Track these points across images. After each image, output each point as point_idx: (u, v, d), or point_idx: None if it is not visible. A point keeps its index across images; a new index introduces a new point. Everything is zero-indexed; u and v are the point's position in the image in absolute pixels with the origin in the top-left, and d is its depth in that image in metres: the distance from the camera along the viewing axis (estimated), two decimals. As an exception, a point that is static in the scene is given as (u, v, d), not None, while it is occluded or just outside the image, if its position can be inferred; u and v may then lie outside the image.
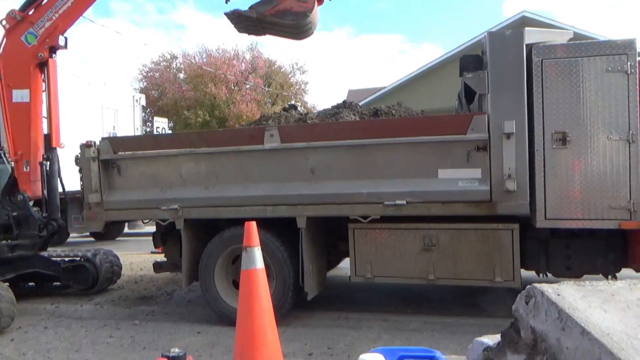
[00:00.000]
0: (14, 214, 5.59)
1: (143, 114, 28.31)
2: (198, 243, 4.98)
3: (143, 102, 27.14)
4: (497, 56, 4.20)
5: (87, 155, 5.22)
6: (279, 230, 4.70)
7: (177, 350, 2.10)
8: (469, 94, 5.02)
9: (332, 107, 5.87)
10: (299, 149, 4.56)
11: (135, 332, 4.63)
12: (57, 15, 5.54)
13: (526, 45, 4.15)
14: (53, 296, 6.21)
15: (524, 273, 4.39)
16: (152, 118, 30.55)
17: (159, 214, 5.02)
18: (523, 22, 14.14)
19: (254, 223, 3.22)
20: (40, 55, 5.59)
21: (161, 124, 17.87)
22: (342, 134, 4.48)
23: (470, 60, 4.55)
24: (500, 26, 14.48)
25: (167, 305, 5.62)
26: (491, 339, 1.88)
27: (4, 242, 5.52)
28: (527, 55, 4.14)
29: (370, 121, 4.99)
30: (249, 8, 5.16)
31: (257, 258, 3.11)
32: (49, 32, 5.59)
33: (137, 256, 8.65)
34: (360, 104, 7.59)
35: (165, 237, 5.60)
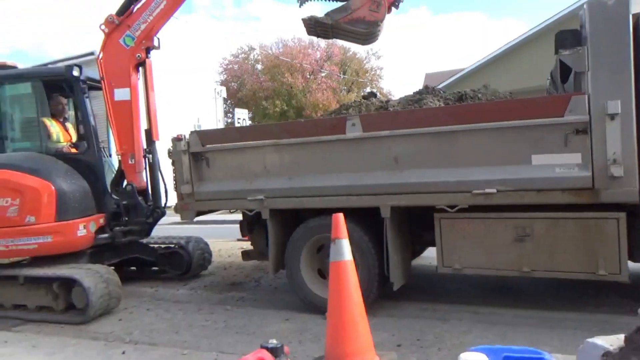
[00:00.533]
0: (124, 202, 6.07)
1: (224, 106, 29.57)
2: (283, 232, 5.09)
3: (224, 94, 28.39)
4: (599, 29, 3.82)
5: (178, 148, 5.49)
6: (363, 220, 4.68)
7: (274, 341, 2.15)
8: (564, 73, 4.66)
9: (413, 93, 5.71)
10: (382, 138, 4.48)
11: (227, 317, 4.86)
12: (151, 17, 5.88)
13: (632, 15, 3.75)
14: (152, 280, 6.71)
15: (632, 265, 4.03)
16: (233, 109, 31.76)
17: (246, 204, 5.18)
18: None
19: (341, 215, 3.23)
20: (138, 56, 5.98)
21: (242, 115, 18.50)
22: (427, 120, 4.34)
23: (567, 36, 4.21)
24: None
25: (256, 292, 5.84)
26: (607, 342, 1.73)
27: (117, 228, 6.02)
28: (634, 27, 3.74)
29: (456, 106, 4.79)
30: (325, 15, 5.33)
31: (345, 250, 3.11)
32: (145, 34, 5.94)
33: (224, 243, 9.07)
34: (439, 87, 7.31)
35: (251, 226, 5.80)
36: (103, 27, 5.92)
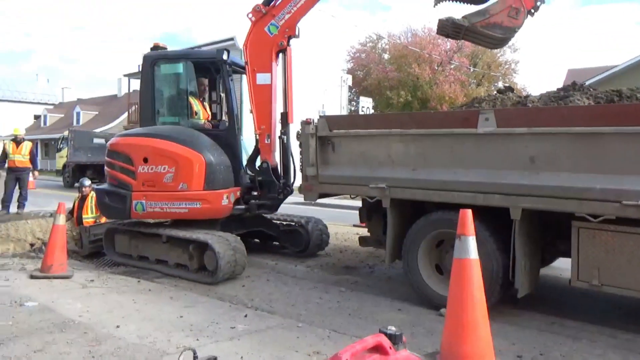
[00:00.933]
0: (259, 178, 6.56)
1: (349, 94, 30.00)
2: (403, 223, 5.06)
3: (349, 82, 28.78)
4: None
5: (306, 132, 5.70)
6: (488, 220, 4.45)
7: (393, 328, 2.16)
8: None
9: (557, 89, 5.26)
10: (518, 135, 4.20)
11: (341, 298, 4.99)
12: (295, 8, 6.20)
13: None
14: (272, 254, 7.13)
15: None
16: (357, 97, 32.06)
17: (367, 191, 5.23)
18: None
19: (469, 211, 3.12)
20: (281, 43, 6.36)
21: (366, 104, 18.61)
22: (573, 120, 3.96)
23: None
24: None
25: (369, 278, 5.91)
26: None
27: (252, 201, 6.54)
28: None
29: (610, 106, 4.30)
30: (463, 17, 5.32)
31: (471, 248, 3.01)
32: (289, 24, 6.29)
33: (341, 227, 9.28)
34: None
35: (370, 213, 5.85)
36: (250, 15, 6.34)
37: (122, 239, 6.51)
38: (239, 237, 5.91)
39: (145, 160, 6.02)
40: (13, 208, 9.83)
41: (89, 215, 7.93)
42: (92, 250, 7.15)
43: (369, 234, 6.11)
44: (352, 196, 6.40)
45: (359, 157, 5.33)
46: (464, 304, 2.90)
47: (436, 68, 32.88)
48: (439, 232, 4.72)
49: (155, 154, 6.01)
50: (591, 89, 5.14)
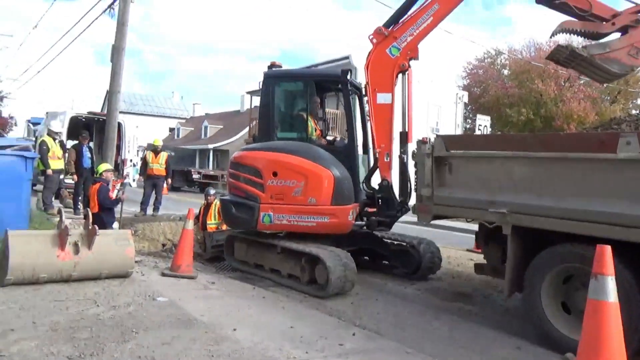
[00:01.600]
0: (378, 195, 6.65)
1: (464, 111, 28.96)
2: (525, 252, 4.70)
3: (465, 99, 27.84)
4: None
5: (422, 151, 5.59)
6: (628, 256, 3.97)
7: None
8: None
9: None
10: (670, 163, 3.71)
11: (452, 326, 4.78)
12: (417, 31, 6.29)
13: None
14: (381, 273, 7.06)
15: None
16: (473, 115, 30.79)
17: (486, 215, 4.96)
18: None
19: (608, 248, 2.82)
20: (402, 65, 6.47)
21: (483, 122, 17.75)
22: None
23: None
24: None
25: (484, 308, 5.58)
26: None
27: (373, 218, 6.66)
28: None
29: None
30: (583, 47, 5.36)
31: (610, 289, 2.71)
32: (410, 46, 6.42)
33: (454, 251, 8.93)
34: None
35: (487, 239, 5.55)
36: (372, 37, 6.52)
37: (241, 247, 6.92)
38: (349, 254, 5.96)
39: (275, 174, 6.21)
40: (149, 210, 10.99)
41: (212, 222, 8.58)
42: (213, 254, 7.70)
43: (485, 261, 5.78)
44: (468, 220, 6.13)
45: (477, 179, 5.10)
46: (600, 352, 2.60)
47: (563, 84, 30.39)
48: (567, 266, 4.32)
49: (285, 169, 6.20)
50: None
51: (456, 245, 9.52)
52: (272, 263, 6.42)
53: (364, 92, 6.91)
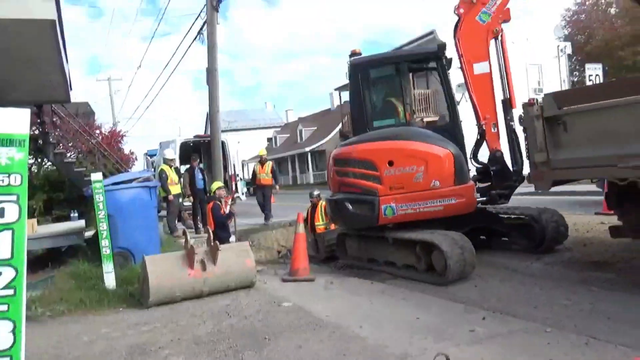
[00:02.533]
0: (493, 168, 6.42)
1: (569, 64, 26.42)
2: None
3: (569, 50, 25.39)
4: None
5: (530, 114, 5.16)
6: None
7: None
8: None
9: None
10: None
11: (593, 299, 4.34)
12: None
13: None
14: (502, 251, 6.66)
15: None
16: (580, 66, 27.97)
17: (616, 172, 4.45)
18: None
19: None
20: (495, 30, 6.21)
21: (594, 71, 15.99)
22: None
23: None
24: None
25: (628, 275, 4.99)
26: None
27: (493, 192, 6.44)
28: None
29: None
30: None
31: None
32: (500, 8, 6.17)
33: (580, 217, 8.13)
34: None
35: (621, 198, 4.98)
36: (459, 7, 6.29)
37: (352, 243, 6.95)
38: (464, 235, 5.68)
39: (391, 164, 5.97)
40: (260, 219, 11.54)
41: (321, 223, 8.73)
42: (327, 254, 7.84)
43: (621, 223, 5.19)
44: (593, 180, 5.54)
45: (599, 134, 4.58)
46: None
47: (686, 10, 26.37)
48: None
49: (401, 156, 5.98)
50: None
51: (580, 211, 8.66)
52: (385, 255, 6.36)
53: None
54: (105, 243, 5.94)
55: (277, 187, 12.30)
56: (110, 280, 5.88)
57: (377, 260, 6.52)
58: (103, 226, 5.98)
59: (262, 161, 11.86)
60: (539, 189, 5.40)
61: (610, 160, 4.46)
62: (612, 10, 31.36)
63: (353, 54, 7.30)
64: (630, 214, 4.94)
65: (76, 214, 10.86)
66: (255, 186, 11.96)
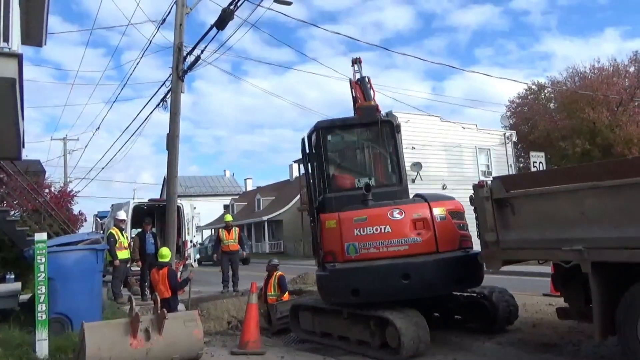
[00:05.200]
0: None
1: (515, 150, 28.20)
2: (612, 289, 4.32)
3: (514, 138, 27.19)
4: None
5: (480, 195, 5.41)
6: None
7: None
8: None
9: None
10: None
11: (544, 381, 4.35)
12: None
13: None
14: (455, 329, 6.62)
15: None
16: (524, 153, 29.88)
17: (560, 255, 4.67)
18: None
19: None
20: None
21: (538, 158, 17.18)
22: None
23: None
24: None
25: (576, 358, 5.07)
26: None
27: None
28: None
29: None
30: None
31: None
32: None
33: (529, 297, 8.32)
34: None
35: (566, 279, 5.18)
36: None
37: (306, 316, 6.77)
38: (419, 312, 5.67)
39: None
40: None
41: (272, 293, 8.47)
42: (280, 326, 7.58)
43: (567, 305, 5.36)
44: (540, 261, 5.75)
45: (545, 217, 4.84)
46: None
47: (615, 109, 29.23)
48: (663, 299, 3.91)
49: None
50: None
51: (529, 291, 8.86)
52: (339, 330, 6.21)
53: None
54: (41, 308, 5.54)
55: (244, 253, 12.02)
56: (42, 348, 5.42)
57: (331, 334, 6.36)
58: (41, 289, 5.62)
59: (228, 227, 11.64)
60: (490, 268, 5.55)
61: (554, 243, 4.68)
62: (552, 105, 34.26)
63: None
64: (575, 296, 5.11)
65: (12, 276, 10.14)
66: (222, 252, 11.58)
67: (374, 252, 5.72)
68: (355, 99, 7.55)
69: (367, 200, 6.07)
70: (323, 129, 6.73)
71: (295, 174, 39.23)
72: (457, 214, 6.09)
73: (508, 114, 34.72)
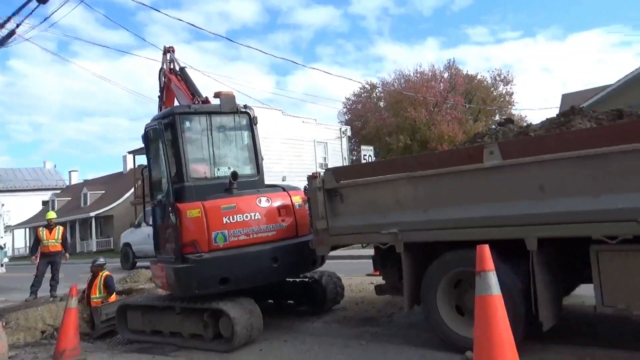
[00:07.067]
0: None
1: (349, 144, 30.39)
2: (419, 266, 4.92)
3: (349, 133, 29.25)
4: None
5: (314, 186, 5.68)
6: (506, 253, 4.31)
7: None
8: None
9: (557, 115, 5.29)
10: (525, 165, 4.14)
11: (363, 352, 4.80)
12: None
13: None
14: (288, 313, 6.90)
15: None
16: (357, 147, 32.37)
17: (379, 238, 5.13)
18: None
19: (486, 246, 3.04)
20: None
21: (367, 152, 18.79)
22: (578, 144, 3.92)
23: None
24: None
25: (390, 327, 5.69)
26: None
27: None
28: None
29: (614, 126, 4.27)
30: None
31: (493, 283, 2.91)
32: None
33: (355, 278, 9.05)
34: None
35: (384, 260, 5.72)
36: None
37: (135, 316, 6.35)
38: (252, 300, 5.75)
39: None
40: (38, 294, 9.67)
41: (97, 295, 7.75)
42: (105, 330, 6.98)
43: (384, 282, 5.95)
44: (364, 245, 6.28)
45: (368, 204, 5.26)
46: (492, 344, 2.76)
47: (432, 109, 33.41)
48: (456, 271, 4.59)
49: None
50: (590, 111, 5.16)
51: (356, 273, 9.67)
52: (171, 326, 5.97)
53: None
54: None
55: (67, 255, 10.60)
56: None
57: (162, 332, 6.07)
58: None
59: (50, 225, 10.18)
60: (320, 253, 5.86)
61: (375, 227, 5.14)
62: (381, 104, 37.70)
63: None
64: (391, 274, 5.70)
65: None
66: (40, 254, 10.03)
67: (244, 238, 5.82)
68: (162, 89, 7.34)
69: (232, 188, 6.02)
70: (180, 115, 6.30)
71: (130, 165, 36.46)
72: (307, 202, 6.38)
73: (344, 110, 37.30)
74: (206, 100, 6.75)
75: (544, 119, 5.47)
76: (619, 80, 14.97)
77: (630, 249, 3.72)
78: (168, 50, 7.42)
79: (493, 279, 2.90)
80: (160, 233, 6.34)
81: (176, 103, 7.26)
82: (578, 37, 55.93)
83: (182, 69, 7.26)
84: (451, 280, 4.67)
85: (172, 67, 7.46)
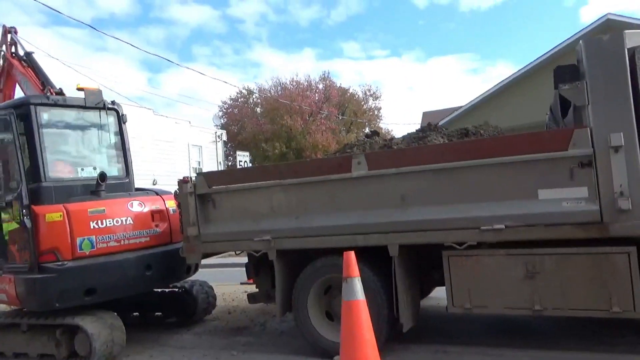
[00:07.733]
0: None
1: (225, 149, 29.86)
2: (291, 273, 5.02)
3: (224, 137, 28.73)
4: (596, 64, 3.89)
5: (184, 191, 5.48)
6: (371, 260, 4.62)
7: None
8: (564, 107, 4.73)
9: (416, 130, 5.79)
10: (388, 176, 4.48)
11: (234, 362, 4.72)
12: None
13: (628, 49, 3.84)
14: (155, 326, 6.54)
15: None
16: (233, 152, 31.97)
17: (252, 245, 5.12)
18: (608, 25, 13.23)
19: (352, 253, 3.21)
20: None
21: (243, 158, 18.65)
22: (433, 157, 4.36)
23: (565, 71, 4.25)
24: (583, 32, 13.66)
25: (262, 336, 5.69)
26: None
27: None
28: (630, 60, 3.83)
29: (462, 142, 4.82)
30: None
31: (357, 289, 3.08)
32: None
33: (228, 287, 8.90)
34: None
35: (257, 268, 5.72)
36: None
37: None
38: (115, 313, 5.34)
39: None
40: None
41: None
42: None
43: (257, 290, 5.95)
44: (237, 253, 6.22)
45: (241, 211, 5.23)
46: (356, 346, 2.93)
47: (307, 118, 34.36)
48: (325, 278, 4.77)
49: None
50: (444, 129, 5.75)
51: (229, 281, 9.52)
52: (16, 347, 5.30)
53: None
54: None
55: None
56: None
57: (5, 353, 5.35)
58: None
59: None
60: (191, 261, 5.67)
61: (248, 234, 5.12)
62: (258, 110, 37.77)
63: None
64: (264, 281, 5.71)
65: None
66: None
67: (114, 245, 5.40)
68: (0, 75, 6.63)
69: (100, 191, 5.52)
70: (37, 105, 5.55)
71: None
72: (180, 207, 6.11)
73: (220, 113, 36.58)
74: (60, 92, 6.12)
75: (406, 133, 5.97)
76: (468, 102, 16.92)
77: (475, 254, 4.23)
78: (9, 31, 6.62)
79: (358, 284, 3.09)
80: (8, 239, 5.59)
81: (20, 93, 6.51)
82: (438, 60, 62.26)
83: (28, 53, 6.51)
84: (321, 287, 4.84)
85: (13, 50, 6.67)
